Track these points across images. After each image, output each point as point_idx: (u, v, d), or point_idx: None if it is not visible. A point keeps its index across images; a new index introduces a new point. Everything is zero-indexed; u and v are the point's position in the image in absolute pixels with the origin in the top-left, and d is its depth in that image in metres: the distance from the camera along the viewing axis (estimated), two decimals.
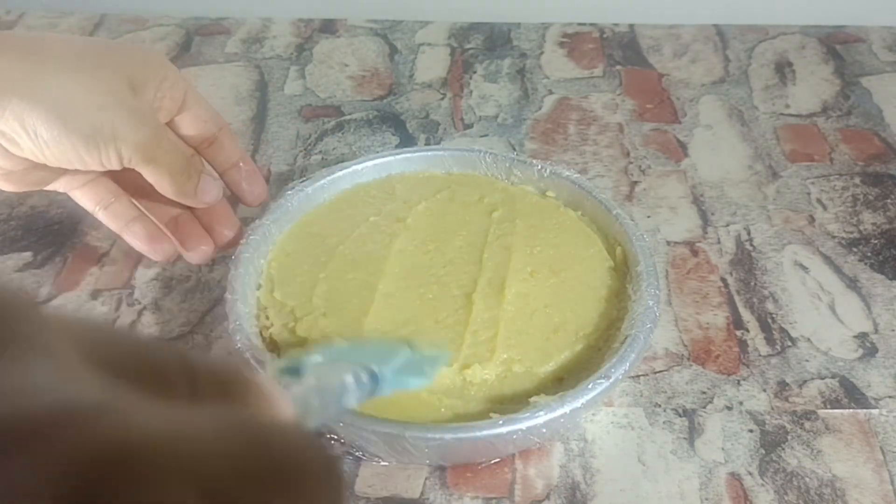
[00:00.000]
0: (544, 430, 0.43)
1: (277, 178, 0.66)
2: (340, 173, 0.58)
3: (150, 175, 0.45)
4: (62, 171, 0.47)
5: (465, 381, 0.46)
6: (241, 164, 0.51)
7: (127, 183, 0.50)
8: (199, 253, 0.50)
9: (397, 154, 0.60)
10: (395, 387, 0.39)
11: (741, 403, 0.50)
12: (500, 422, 0.42)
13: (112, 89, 0.43)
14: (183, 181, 0.46)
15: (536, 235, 0.54)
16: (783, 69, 0.78)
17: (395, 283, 0.51)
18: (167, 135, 0.45)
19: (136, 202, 0.50)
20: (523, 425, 0.42)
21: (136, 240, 0.49)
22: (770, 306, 0.55)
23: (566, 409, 0.42)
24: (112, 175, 0.49)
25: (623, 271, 0.52)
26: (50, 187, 0.48)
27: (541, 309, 0.49)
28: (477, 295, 0.50)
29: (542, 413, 0.42)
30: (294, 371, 0.37)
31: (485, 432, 0.42)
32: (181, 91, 0.47)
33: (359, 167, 0.58)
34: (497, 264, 0.52)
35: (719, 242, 0.60)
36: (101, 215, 0.49)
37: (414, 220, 0.55)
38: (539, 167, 0.57)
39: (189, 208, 0.51)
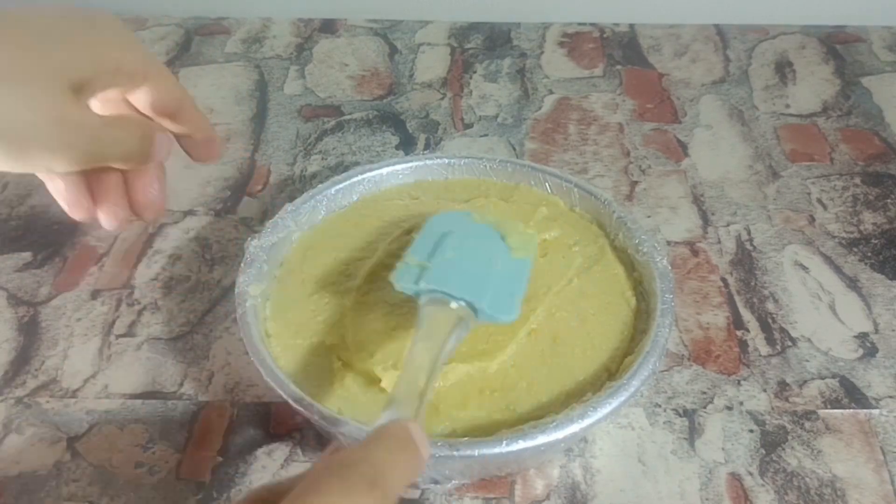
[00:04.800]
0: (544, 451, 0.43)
1: (277, 178, 0.66)
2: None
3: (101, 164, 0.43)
4: None
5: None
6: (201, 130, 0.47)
7: None
8: (112, 217, 0.45)
9: (432, 159, 0.59)
10: (487, 321, 0.43)
11: (741, 403, 0.49)
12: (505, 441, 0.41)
13: (46, 103, 0.39)
14: (134, 163, 0.43)
15: (564, 289, 0.51)
16: (783, 69, 0.78)
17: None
18: (107, 134, 0.42)
19: None
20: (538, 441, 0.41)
21: (57, 194, 0.45)
22: (770, 306, 0.55)
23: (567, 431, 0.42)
24: None
25: (642, 308, 0.50)
26: None
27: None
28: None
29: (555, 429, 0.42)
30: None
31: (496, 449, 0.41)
32: (140, 75, 0.44)
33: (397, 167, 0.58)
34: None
35: (719, 242, 0.60)
36: None
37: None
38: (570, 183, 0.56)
39: None
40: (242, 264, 0.50)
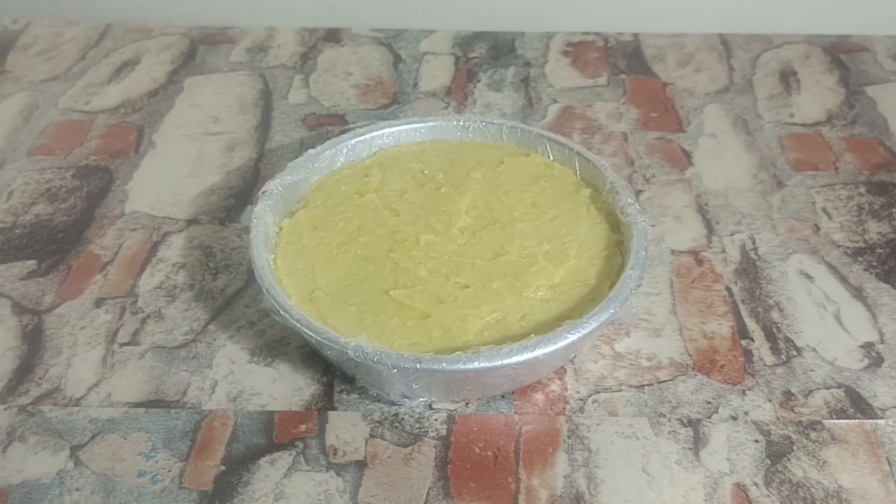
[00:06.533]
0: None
1: None
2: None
3: None
4: None
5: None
6: None
7: None
8: None
9: (448, 121, 0.64)
10: None
11: (746, 413, 0.49)
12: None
13: None
14: None
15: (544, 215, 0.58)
16: (788, 78, 0.78)
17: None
18: None
19: None
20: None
21: None
22: (775, 316, 0.55)
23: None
24: None
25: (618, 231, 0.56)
26: None
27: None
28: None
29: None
30: None
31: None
32: None
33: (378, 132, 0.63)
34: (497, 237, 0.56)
35: (724, 251, 0.60)
36: None
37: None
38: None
39: None
40: (261, 193, 0.56)
